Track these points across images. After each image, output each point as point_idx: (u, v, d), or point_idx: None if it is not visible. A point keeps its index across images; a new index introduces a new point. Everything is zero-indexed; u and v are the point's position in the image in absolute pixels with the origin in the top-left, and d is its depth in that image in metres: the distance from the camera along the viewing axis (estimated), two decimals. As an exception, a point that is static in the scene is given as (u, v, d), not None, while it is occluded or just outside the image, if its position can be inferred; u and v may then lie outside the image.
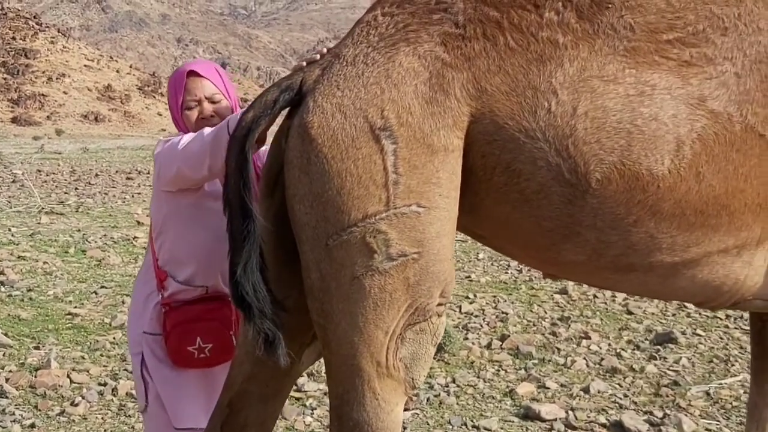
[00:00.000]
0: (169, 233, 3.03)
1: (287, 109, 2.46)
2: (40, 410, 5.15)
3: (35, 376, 5.65)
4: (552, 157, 2.23)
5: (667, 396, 5.35)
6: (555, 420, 4.93)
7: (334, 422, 2.37)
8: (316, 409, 5.17)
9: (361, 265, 2.22)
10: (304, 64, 2.51)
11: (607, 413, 5.07)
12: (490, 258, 10.16)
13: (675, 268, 2.41)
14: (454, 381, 5.67)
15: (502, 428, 4.87)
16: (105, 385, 5.57)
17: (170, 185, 2.93)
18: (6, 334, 6.64)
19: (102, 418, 5.05)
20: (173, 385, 3.06)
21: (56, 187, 19.85)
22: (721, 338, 6.66)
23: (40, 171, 24.69)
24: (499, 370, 5.92)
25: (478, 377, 5.77)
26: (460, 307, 7.58)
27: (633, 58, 2.27)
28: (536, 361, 6.10)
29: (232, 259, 2.37)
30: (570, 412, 5.02)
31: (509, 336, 6.59)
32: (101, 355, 6.27)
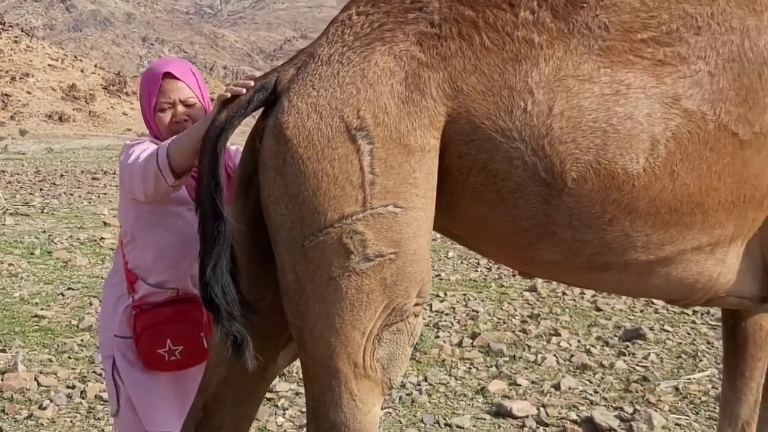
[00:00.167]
0: (138, 238, 2.99)
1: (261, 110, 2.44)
2: (7, 414, 5.07)
3: (2, 380, 5.57)
4: (528, 157, 2.23)
5: (637, 391, 5.39)
6: (527, 417, 4.95)
7: (311, 423, 2.36)
8: (288, 409, 5.14)
9: (338, 266, 2.21)
10: (251, 83, 2.47)
11: (578, 409, 5.10)
12: (460, 256, 10.19)
13: (650, 266, 2.43)
14: (426, 379, 5.67)
15: (474, 426, 4.88)
16: (73, 387, 5.50)
17: (131, 195, 2.90)
18: (-29, 338, 6.55)
19: (71, 422, 4.99)
20: (144, 389, 3.02)
21: (21, 188, 19.61)
22: (688, 334, 6.73)
23: (3, 172, 24.38)
24: (470, 368, 5.93)
25: (450, 375, 5.77)
26: (430, 305, 7.59)
27: (608, 58, 2.28)
28: (507, 359, 6.12)
29: (202, 260, 2.35)
30: (541, 409, 5.04)
31: (480, 334, 6.61)
32: (69, 358, 6.19)
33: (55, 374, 5.77)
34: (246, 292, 2.39)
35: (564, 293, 8.08)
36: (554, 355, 6.15)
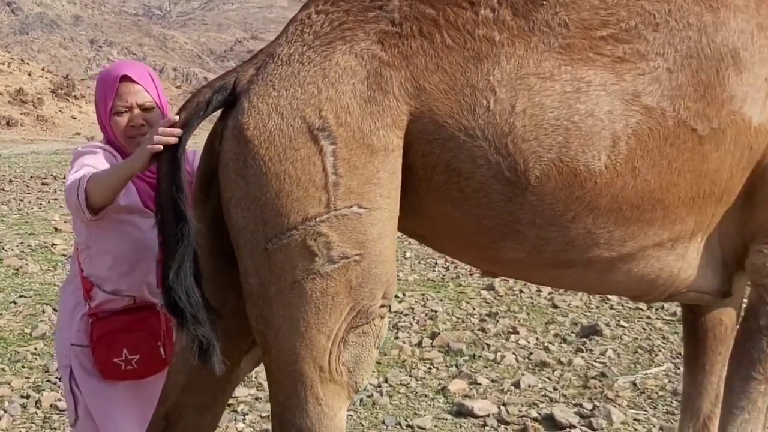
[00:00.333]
0: (92, 246, 2.94)
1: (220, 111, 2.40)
2: (-41, 426, 4.96)
3: (-47, 391, 5.44)
4: (492, 155, 2.23)
5: (596, 388, 5.43)
6: (488, 416, 4.95)
7: (276, 430, 2.33)
8: (247, 414, 5.09)
9: (302, 268, 2.19)
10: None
11: (538, 407, 5.12)
12: (417, 256, 10.20)
13: (612, 262, 2.45)
14: (386, 380, 5.65)
15: (435, 426, 4.88)
16: (28, 397, 5.39)
17: None
18: None
19: (26, 432, 4.89)
20: (102, 398, 2.97)
21: (-33, 194, 19.20)
22: (643, 329, 6.79)
23: (-51, 178, 23.85)
24: (430, 368, 5.93)
25: (410, 376, 5.76)
26: (389, 306, 7.56)
27: (568, 55, 2.29)
28: (467, 358, 6.12)
29: (165, 263, 2.31)
30: (502, 408, 5.05)
31: (439, 333, 6.61)
32: (23, 367, 6.07)
33: (9, 384, 5.64)
34: (208, 296, 2.35)
35: (521, 291, 8.11)
36: (513, 354, 6.17)
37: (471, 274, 8.86)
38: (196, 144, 2.91)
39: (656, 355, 6.09)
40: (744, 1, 2.42)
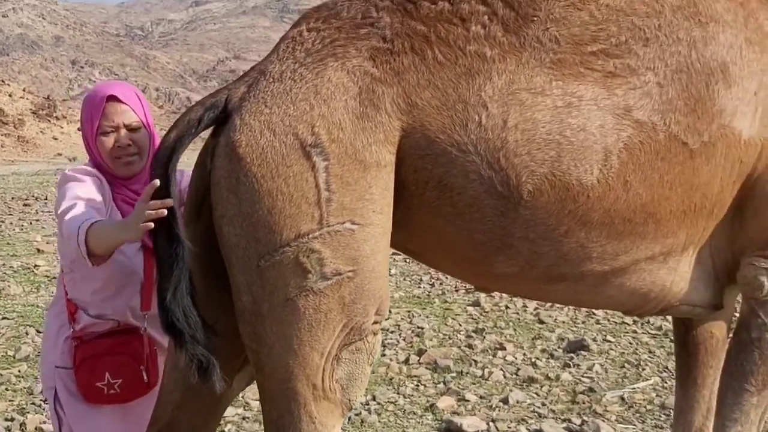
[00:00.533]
0: (77, 270, 2.91)
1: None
2: (-57, 450, 4.89)
3: (-64, 415, 5.37)
4: (484, 170, 2.23)
5: (584, 402, 5.43)
6: (477, 432, 4.94)
7: (270, 448, 2.31)
8: (235, 434, 5.06)
9: (295, 285, 2.18)
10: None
11: (527, 423, 5.11)
12: (402, 273, 10.19)
13: (604, 276, 2.45)
14: (374, 398, 5.63)
15: (425, 443, 4.86)
16: (12, 420, 5.33)
17: None
18: None
19: (11, 456, 4.83)
20: (87, 420, 2.95)
21: (-52, 215, 19.03)
22: (630, 343, 6.80)
23: (-70, 200, 23.66)
24: (418, 385, 5.91)
25: (398, 393, 5.74)
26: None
27: (559, 70, 2.30)
28: (454, 374, 6.11)
29: (161, 284, 2.29)
30: (491, 424, 5.04)
31: (426, 350, 6.60)
32: (6, 390, 6.00)
33: (-7, 407, 5.59)
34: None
35: (507, 306, 8.11)
36: (501, 369, 6.16)
37: (457, 291, 8.85)
38: (189, 160, 2.90)
39: (643, 370, 6.09)
40: (732, 16, 2.45)
